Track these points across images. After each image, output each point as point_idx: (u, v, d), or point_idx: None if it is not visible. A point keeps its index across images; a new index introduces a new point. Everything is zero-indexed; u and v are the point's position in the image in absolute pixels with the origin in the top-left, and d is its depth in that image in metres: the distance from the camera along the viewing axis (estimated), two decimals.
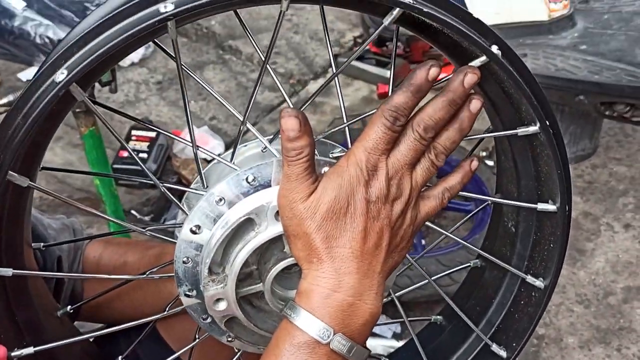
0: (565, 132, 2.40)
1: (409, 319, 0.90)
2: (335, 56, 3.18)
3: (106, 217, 0.71)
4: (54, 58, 0.62)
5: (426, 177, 0.69)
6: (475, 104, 0.67)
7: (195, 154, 0.76)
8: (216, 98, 0.77)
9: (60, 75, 0.61)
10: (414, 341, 0.91)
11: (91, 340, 1.17)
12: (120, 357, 0.93)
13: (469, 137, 0.71)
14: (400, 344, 1.25)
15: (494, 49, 0.67)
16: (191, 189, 0.77)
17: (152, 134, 2.56)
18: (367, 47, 3.12)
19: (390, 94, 0.76)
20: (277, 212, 0.69)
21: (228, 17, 3.38)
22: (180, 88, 0.70)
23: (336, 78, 0.77)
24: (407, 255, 0.75)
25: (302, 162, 0.66)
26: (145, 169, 0.74)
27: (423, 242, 2.19)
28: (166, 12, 0.60)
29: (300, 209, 0.66)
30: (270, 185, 0.71)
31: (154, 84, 3.02)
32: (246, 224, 0.71)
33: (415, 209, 0.70)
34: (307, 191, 0.66)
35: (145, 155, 2.48)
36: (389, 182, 0.66)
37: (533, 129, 0.71)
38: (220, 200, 0.72)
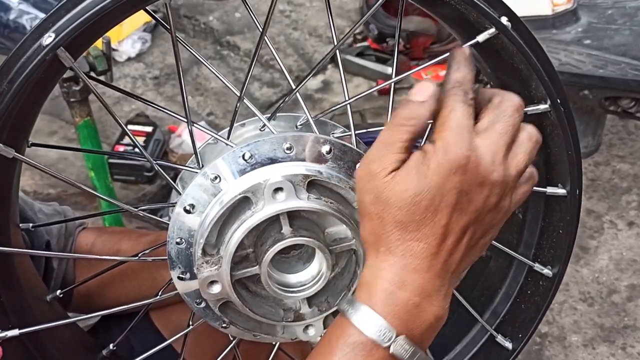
0: None
1: None
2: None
3: (96, 193, 0.67)
4: (41, 21, 0.59)
5: (528, 160, 0.60)
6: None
7: (191, 131, 0.72)
8: (212, 71, 0.74)
9: (48, 39, 0.58)
10: None
11: (85, 329, 1.14)
12: (111, 345, 0.89)
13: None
14: None
15: (504, 20, 0.63)
16: (186, 167, 0.74)
17: (149, 129, 2.52)
18: (367, 44, 3.09)
19: (391, 90, 0.73)
20: (275, 189, 0.66)
21: (226, 13, 3.35)
22: (175, 61, 0.66)
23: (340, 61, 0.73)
24: None
25: (407, 131, 0.58)
26: (139, 145, 0.71)
27: None
28: None
29: (380, 185, 0.58)
30: (268, 163, 0.68)
31: (151, 79, 2.98)
32: (242, 203, 0.68)
33: (511, 196, 0.61)
34: (393, 165, 0.58)
35: None
36: (486, 167, 0.57)
37: (543, 107, 0.68)
38: (216, 178, 0.68)
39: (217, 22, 3.30)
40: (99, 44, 1.57)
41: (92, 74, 1.59)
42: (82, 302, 1.01)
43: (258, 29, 0.70)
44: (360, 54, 3.05)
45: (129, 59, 3.04)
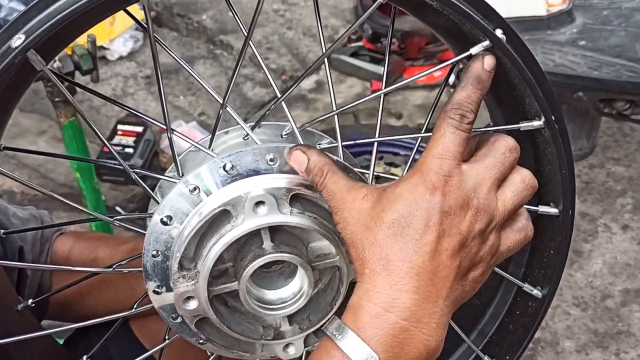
0: None
1: None
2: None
3: (65, 200, 0.65)
4: (11, 21, 0.56)
5: (517, 202, 0.61)
6: None
7: (170, 139, 0.69)
8: (195, 78, 0.70)
9: (17, 41, 0.55)
10: None
11: (64, 336, 1.11)
12: (85, 357, 0.86)
13: (474, 131, 0.64)
14: None
15: (498, 32, 0.60)
16: (165, 176, 0.71)
17: (139, 129, 2.49)
18: (362, 44, 3.06)
19: (383, 87, 0.70)
20: (256, 203, 0.63)
21: (219, 12, 3.31)
22: (153, 59, 0.63)
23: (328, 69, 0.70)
24: None
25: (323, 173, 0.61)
26: (113, 150, 0.67)
27: None
28: None
29: (356, 215, 0.59)
30: (250, 175, 0.65)
31: (143, 78, 2.94)
32: (222, 216, 0.65)
33: (498, 234, 0.61)
34: (366, 191, 0.60)
35: (131, 150, 2.41)
36: (467, 191, 0.58)
37: (537, 123, 0.65)
38: (195, 189, 0.65)
39: (211, 21, 3.26)
40: (84, 42, 1.54)
41: (77, 73, 1.56)
42: (59, 311, 0.99)
43: (243, 33, 0.67)
44: (354, 54, 3.02)
45: (121, 58, 3.01)
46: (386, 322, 0.58)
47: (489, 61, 0.59)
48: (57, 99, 1.55)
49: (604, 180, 2.36)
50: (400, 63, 2.97)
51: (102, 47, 2.97)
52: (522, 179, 0.61)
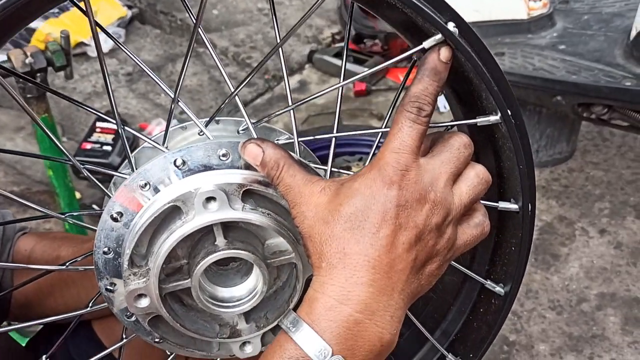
0: (542, 134, 2.35)
1: None
2: (312, 51, 3.11)
3: (14, 197, 0.63)
4: None
5: (473, 196, 0.61)
6: None
7: (121, 134, 0.68)
8: (144, 69, 0.69)
9: None
10: None
11: (26, 337, 1.09)
12: (44, 357, 0.85)
13: (431, 126, 0.64)
14: None
15: (450, 26, 0.60)
16: (117, 172, 0.70)
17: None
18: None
19: (342, 79, 0.70)
20: (207, 199, 0.62)
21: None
22: (96, 48, 0.62)
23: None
24: None
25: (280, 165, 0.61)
26: (61, 147, 0.66)
27: None
28: None
29: (314, 209, 0.59)
30: (201, 171, 0.64)
31: (124, 75, 2.92)
32: (173, 213, 0.64)
33: (454, 228, 0.61)
34: (324, 184, 0.60)
35: (109, 148, 2.39)
36: (425, 185, 0.58)
37: (494, 118, 0.64)
38: (145, 185, 0.64)
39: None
40: (57, 38, 1.52)
41: (51, 69, 1.54)
42: (21, 312, 0.97)
43: (191, 18, 0.65)
44: (337, 55, 3.02)
45: None
46: (340, 314, 0.57)
47: (445, 53, 0.58)
48: (28, 95, 1.53)
49: (583, 184, 2.36)
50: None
51: (82, 44, 2.94)
52: (477, 174, 0.62)
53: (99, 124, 2.46)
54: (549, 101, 2.04)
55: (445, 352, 0.80)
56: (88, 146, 2.37)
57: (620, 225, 2.20)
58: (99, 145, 2.38)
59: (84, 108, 0.69)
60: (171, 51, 3.10)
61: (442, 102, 2.53)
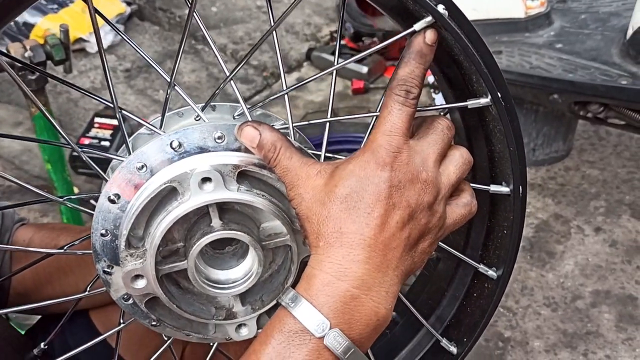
0: (539, 133, 2.36)
1: None
2: (311, 49, 3.12)
3: (17, 181, 0.64)
4: None
5: (459, 175, 0.64)
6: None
7: (119, 119, 0.69)
8: (144, 57, 0.70)
9: None
10: None
11: (24, 328, 1.10)
12: (42, 344, 0.86)
13: (419, 109, 0.65)
14: None
15: (440, 8, 0.60)
16: (114, 155, 0.70)
17: (116, 122, 2.47)
18: (344, 42, 3.07)
19: (336, 62, 0.70)
20: (203, 179, 0.62)
21: (202, 7, 3.30)
22: (94, 29, 0.63)
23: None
24: None
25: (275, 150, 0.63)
26: (58, 128, 0.67)
27: None
28: None
29: (311, 191, 0.61)
30: (197, 153, 0.65)
31: (122, 71, 2.93)
32: (170, 194, 0.65)
33: (444, 206, 0.63)
34: (320, 167, 0.62)
35: (107, 144, 2.39)
36: (416, 166, 0.60)
37: (484, 101, 0.65)
38: (142, 167, 0.65)
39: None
40: (57, 32, 1.53)
41: (50, 63, 1.55)
42: (19, 301, 0.98)
43: (187, 3, 0.66)
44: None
45: None
46: (337, 289, 0.59)
47: (430, 35, 0.60)
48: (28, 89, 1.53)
49: (579, 182, 2.37)
50: (381, 62, 2.98)
51: (81, 40, 2.95)
52: (461, 154, 0.64)
53: (97, 119, 2.47)
54: (546, 99, 2.05)
55: (439, 337, 0.81)
56: (86, 141, 2.38)
57: (616, 224, 2.21)
58: (97, 141, 2.38)
59: (84, 93, 0.70)
60: (170, 48, 3.11)
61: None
